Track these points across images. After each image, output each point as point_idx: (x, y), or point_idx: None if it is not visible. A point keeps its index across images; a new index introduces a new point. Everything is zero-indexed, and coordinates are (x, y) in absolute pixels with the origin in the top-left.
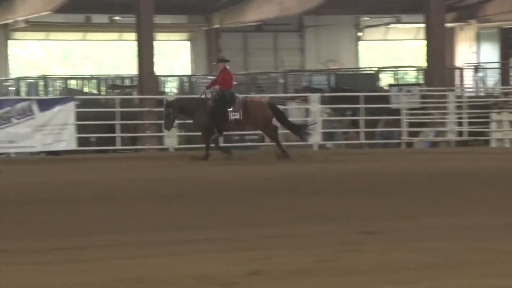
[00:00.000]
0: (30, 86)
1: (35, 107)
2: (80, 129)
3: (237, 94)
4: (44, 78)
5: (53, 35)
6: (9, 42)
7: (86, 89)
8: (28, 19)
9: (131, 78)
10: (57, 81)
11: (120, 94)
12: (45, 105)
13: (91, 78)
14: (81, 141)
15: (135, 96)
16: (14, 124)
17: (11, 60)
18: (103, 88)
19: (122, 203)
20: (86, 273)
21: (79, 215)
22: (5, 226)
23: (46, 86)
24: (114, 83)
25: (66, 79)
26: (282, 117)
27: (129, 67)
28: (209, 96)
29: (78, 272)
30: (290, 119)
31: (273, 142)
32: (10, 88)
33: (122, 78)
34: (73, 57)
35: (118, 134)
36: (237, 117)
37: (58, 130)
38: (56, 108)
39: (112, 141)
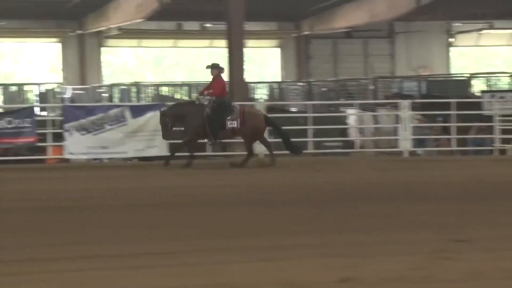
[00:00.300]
0: (122, 93)
1: (127, 114)
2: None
3: (234, 103)
4: (137, 84)
5: (145, 42)
6: (102, 49)
7: (177, 96)
8: (121, 27)
9: None
10: (149, 87)
11: None
12: (137, 111)
13: (182, 84)
14: (172, 147)
15: None
16: (107, 130)
17: (104, 67)
18: (194, 95)
19: (211, 208)
20: (177, 277)
21: (166, 220)
22: (98, 231)
23: (138, 92)
24: None
25: (157, 85)
26: (278, 130)
27: None
28: (205, 103)
29: (169, 276)
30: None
31: (246, 151)
32: (103, 94)
33: None
34: (164, 64)
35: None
36: (235, 125)
37: (150, 136)
38: (148, 114)
39: (202, 147)
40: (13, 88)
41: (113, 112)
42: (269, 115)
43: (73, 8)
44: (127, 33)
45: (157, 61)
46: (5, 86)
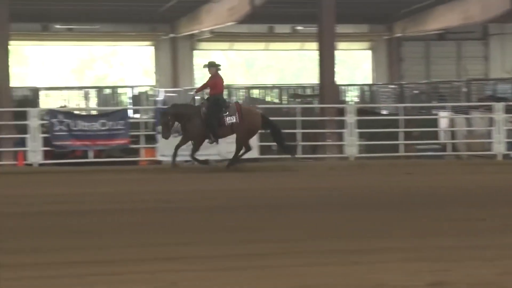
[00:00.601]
0: None
1: None
2: (262, 137)
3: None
4: (228, 87)
5: (236, 45)
6: (195, 52)
7: (268, 98)
8: (213, 30)
9: (312, 87)
10: (240, 90)
11: (301, 103)
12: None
13: (273, 87)
14: (263, 150)
15: (316, 105)
16: None
17: (196, 69)
18: (284, 97)
19: (298, 211)
20: (267, 279)
21: (253, 223)
22: (188, 233)
23: (229, 95)
24: (296, 92)
25: (249, 88)
26: (275, 130)
27: (310, 76)
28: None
29: (260, 279)
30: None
31: (237, 152)
32: (196, 97)
33: (304, 87)
34: (256, 66)
35: (299, 143)
36: (234, 121)
37: None
38: None
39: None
40: (107, 91)
41: None
42: (361, 116)
43: (166, 11)
44: (219, 36)
45: (248, 64)
46: (99, 88)
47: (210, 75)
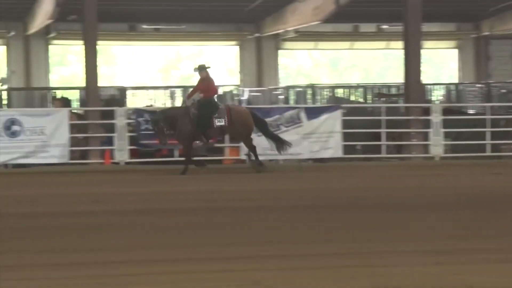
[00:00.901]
0: (298, 95)
1: (303, 115)
2: (346, 137)
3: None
4: (312, 86)
5: (321, 44)
6: (279, 51)
7: (352, 98)
8: (298, 29)
9: (397, 86)
10: (325, 89)
11: (386, 102)
12: (313, 113)
13: (357, 86)
14: (347, 149)
15: (401, 104)
16: (282, 131)
17: (281, 69)
18: (369, 97)
19: (380, 211)
20: (351, 279)
21: (338, 222)
22: (269, 232)
23: (313, 94)
24: (380, 92)
25: (333, 87)
26: (264, 127)
27: (395, 75)
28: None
29: (338, 278)
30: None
31: (251, 152)
32: (279, 96)
33: (388, 86)
34: (340, 66)
35: (383, 142)
36: (223, 123)
37: (325, 138)
38: (323, 116)
39: (377, 149)
40: None
41: (288, 113)
42: (447, 116)
43: (252, 11)
44: (303, 35)
45: (333, 63)
46: (185, 88)
47: (200, 78)
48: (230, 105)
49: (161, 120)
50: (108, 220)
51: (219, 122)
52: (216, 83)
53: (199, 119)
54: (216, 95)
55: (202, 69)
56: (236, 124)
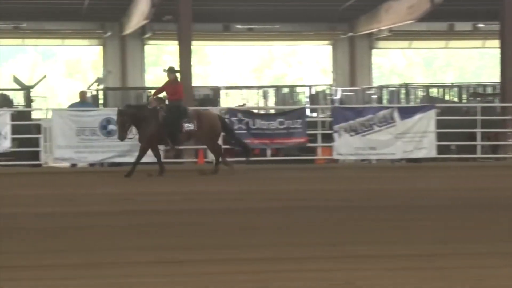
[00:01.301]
0: (391, 94)
1: (396, 115)
2: (440, 136)
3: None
4: (406, 86)
5: (415, 43)
6: (373, 51)
7: (447, 97)
8: (392, 28)
9: (493, 86)
10: (419, 89)
11: (481, 102)
12: (406, 113)
13: (452, 86)
14: (441, 149)
15: (497, 104)
16: (375, 131)
17: (374, 68)
18: (464, 96)
19: (479, 211)
20: (441, 281)
21: (428, 223)
22: (361, 233)
23: (407, 94)
24: (476, 91)
25: (427, 87)
26: (231, 132)
27: (491, 74)
28: (158, 107)
29: (431, 280)
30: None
31: (217, 157)
32: (372, 96)
33: (484, 86)
34: (434, 65)
35: (478, 143)
36: (192, 128)
37: (418, 138)
38: (417, 116)
39: (472, 150)
40: (285, 90)
41: (382, 113)
42: None
43: (345, 10)
44: (397, 34)
45: (427, 63)
46: (278, 88)
47: (168, 80)
48: (198, 110)
49: (127, 115)
50: (197, 219)
51: (188, 127)
52: (182, 88)
53: (168, 122)
54: (181, 100)
55: (171, 71)
56: (204, 128)
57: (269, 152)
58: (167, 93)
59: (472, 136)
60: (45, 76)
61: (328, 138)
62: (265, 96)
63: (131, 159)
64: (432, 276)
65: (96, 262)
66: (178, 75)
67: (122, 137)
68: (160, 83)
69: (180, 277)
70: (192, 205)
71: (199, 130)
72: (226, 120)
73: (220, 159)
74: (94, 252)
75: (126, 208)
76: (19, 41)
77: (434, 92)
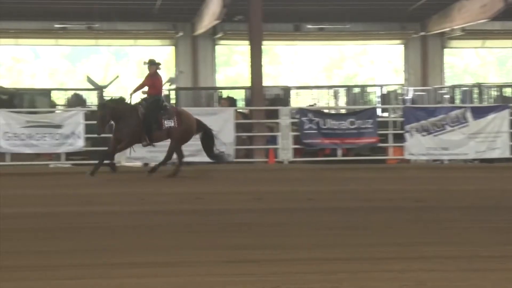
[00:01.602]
0: (464, 94)
1: (469, 115)
2: None
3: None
4: (479, 85)
5: (488, 42)
6: (445, 50)
7: None
8: (465, 27)
9: None
10: (492, 88)
11: None
12: (479, 112)
13: None
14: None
15: None
16: (448, 131)
17: (446, 68)
18: None
19: None
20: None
21: (495, 224)
22: (436, 233)
23: (480, 94)
24: None
25: (501, 86)
26: (209, 135)
27: None
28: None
29: (505, 281)
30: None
31: (178, 157)
32: (444, 96)
33: None
34: (508, 64)
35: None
36: (172, 125)
37: (491, 138)
38: (490, 116)
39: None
40: (356, 90)
41: (454, 113)
42: None
43: (417, 10)
44: (470, 33)
45: (501, 62)
46: (349, 87)
47: (148, 73)
48: (177, 108)
49: (107, 109)
50: (267, 219)
51: (168, 124)
52: (161, 82)
53: (148, 119)
54: (160, 95)
55: (152, 64)
56: (182, 126)
57: (339, 152)
58: (147, 86)
59: None
60: (117, 76)
61: (399, 138)
62: (335, 96)
63: (202, 158)
64: (506, 277)
65: (166, 261)
66: (160, 67)
67: (100, 132)
68: (230, 83)
69: (250, 276)
70: (260, 205)
71: (179, 127)
72: (297, 119)
73: (164, 163)
74: (166, 250)
75: (198, 207)
76: (92, 41)
77: (508, 92)
